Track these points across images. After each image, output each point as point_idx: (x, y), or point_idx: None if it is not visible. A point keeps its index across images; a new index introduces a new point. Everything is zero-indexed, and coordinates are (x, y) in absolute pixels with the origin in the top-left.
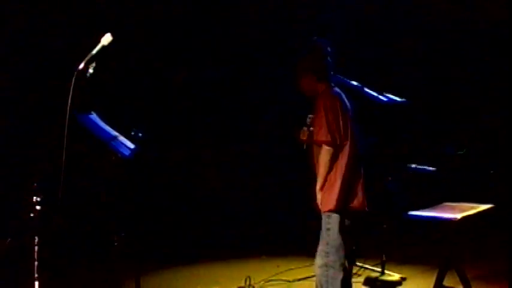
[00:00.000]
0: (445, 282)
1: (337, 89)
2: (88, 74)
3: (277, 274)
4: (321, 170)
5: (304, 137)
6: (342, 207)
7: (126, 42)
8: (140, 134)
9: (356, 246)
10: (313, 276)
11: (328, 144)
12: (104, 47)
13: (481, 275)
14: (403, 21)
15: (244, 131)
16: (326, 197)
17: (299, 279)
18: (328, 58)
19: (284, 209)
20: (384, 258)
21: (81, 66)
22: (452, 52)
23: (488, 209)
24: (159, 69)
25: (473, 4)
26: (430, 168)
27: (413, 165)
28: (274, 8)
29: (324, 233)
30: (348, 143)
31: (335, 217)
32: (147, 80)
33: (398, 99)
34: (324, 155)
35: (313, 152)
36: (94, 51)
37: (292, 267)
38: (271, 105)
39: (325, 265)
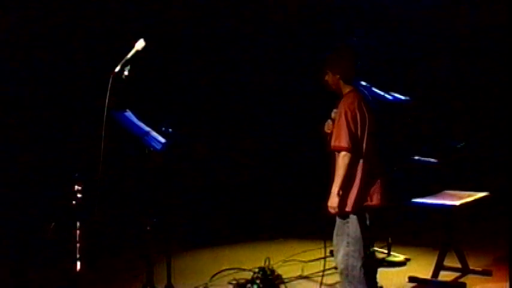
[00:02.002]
0: (445, 263)
1: (361, 91)
2: (123, 76)
3: (294, 255)
4: (339, 173)
5: (328, 129)
6: (358, 209)
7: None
8: (170, 130)
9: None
10: (325, 257)
11: (345, 150)
12: (137, 51)
13: (497, 258)
14: (404, 18)
15: (264, 121)
16: (343, 200)
17: (312, 260)
18: (358, 62)
19: (299, 196)
20: (390, 241)
21: (117, 69)
22: (452, 49)
23: (484, 197)
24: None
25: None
26: (432, 159)
27: (416, 157)
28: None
29: (342, 226)
30: (364, 149)
31: (352, 215)
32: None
33: (402, 97)
34: (342, 159)
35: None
36: (129, 55)
37: (308, 248)
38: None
39: (346, 254)
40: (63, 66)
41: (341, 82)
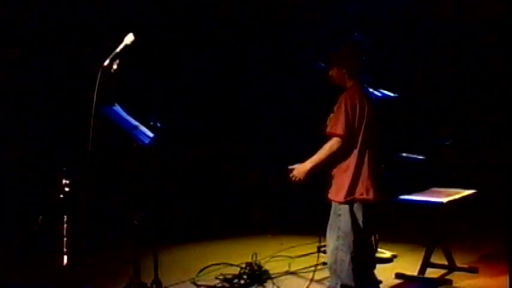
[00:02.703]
0: (432, 259)
1: (365, 87)
2: (112, 70)
3: (281, 251)
4: (321, 153)
5: None
6: (351, 200)
7: (145, 36)
8: (158, 124)
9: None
10: (312, 253)
11: (340, 137)
12: (126, 45)
13: (483, 255)
14: (395, 16)
15: (254, 115)
16: (336, 189)
17: (300, 256)
18: (363, 57)
19: (289, 191)
20: (377, 237)
21: (106, 63)
22: (441, 48)
23: (471, 194)
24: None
25: None
26: (420, 157)
27: (404, 154)
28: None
29: (335, 219)
30: (360, 140)
31: (345, 206)
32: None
33: (391, 94)
34: (332, 143)
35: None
36: (118, 50)
37: (294, 244)
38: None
39: (335, 248)
40: (52, 60)
41: (346, 76)
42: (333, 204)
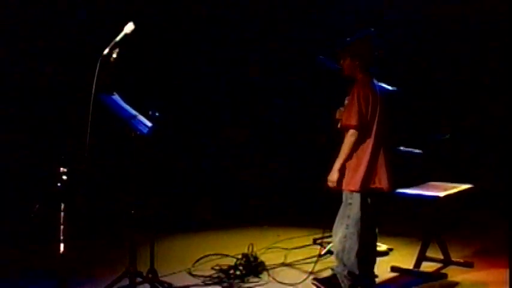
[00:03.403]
0: (428, 253)
1: (374, 80)
2: (112, 59)
3: (278, 242)
4: (343, 150)
5: (340, 116)
6: (364, 189)
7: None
8: (157, 114)
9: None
10: (308, 245)
11: (355, 128)
12: (126, 34)
13: (479, 250)
14: (392, 11)
15: (252, 108)
16: (349, 178)
17: (296, 248)
18: (376, 52)
19: (286, 183)
20: (377, 232)
21: (106, 51)
22: (439, 42)
23: (468, 189)
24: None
25: None
26: (417, 150)
27: (402, 148)
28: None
29: (345, 207)
30: (374, 130)
31: (357, 195)
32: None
33: (390, 88)
34: (349, 137)
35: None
36: (117, 38)
37: (291, 236)
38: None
39: (344, 236)
40: (50, 48)
41: (358, 69)
42: (344, 193)
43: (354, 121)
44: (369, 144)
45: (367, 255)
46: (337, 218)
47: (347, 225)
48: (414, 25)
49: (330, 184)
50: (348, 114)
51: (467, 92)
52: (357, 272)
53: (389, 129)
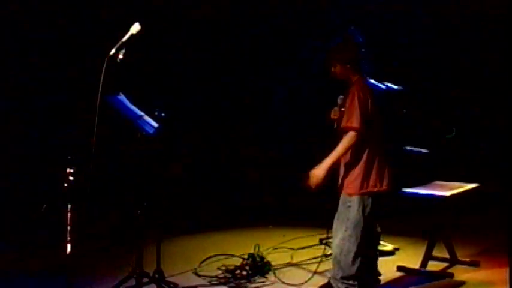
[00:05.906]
0: (434, 253)
1: (368, 79)
2: (118, 59)
3: (284, 242)
4: (338, 149)
5: (335, 116)
6: (363, 192)
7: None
8: (163, 114)
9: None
10: (314, 245)
11: (357, 131)
12: (132, 35)
13: (485, 249)
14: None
15: (257, 107)
16: (348, 181)
17: (302, 248)
18: (362, 49)
19: (291, 182)
20: (380, 230)
21: (112, 52)
22: (445, 39)
23: (474, 188)
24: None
25: None
26: (423, 150)
27: (408, 147)
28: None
29: (343, 210)
30: (374, 131)
31: (356, 198)
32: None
33: (395, 87)
34: (348, 138)
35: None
36: (124, 39)
37: (297, 236)
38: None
39: (343, 239)
40: (56, 47)
41: (351, 71)
42: (342, 195)
43: (356, 123)
44: (366, 147)
45: (366, 255)
46: (335, 220)
47: (346, 227)
48: (421, 24)
49: (313, 180)
50: (349, 116)
51: (473, 89)
52: (354, 273)
53: (382, 129)
